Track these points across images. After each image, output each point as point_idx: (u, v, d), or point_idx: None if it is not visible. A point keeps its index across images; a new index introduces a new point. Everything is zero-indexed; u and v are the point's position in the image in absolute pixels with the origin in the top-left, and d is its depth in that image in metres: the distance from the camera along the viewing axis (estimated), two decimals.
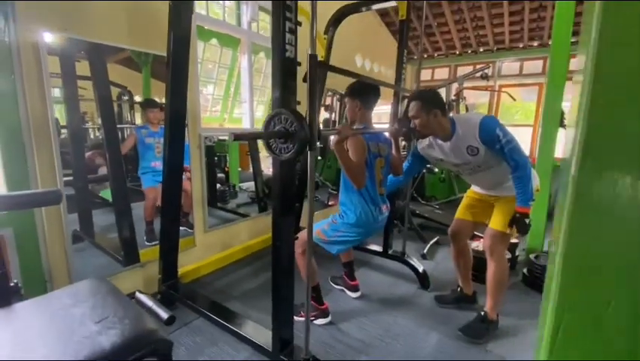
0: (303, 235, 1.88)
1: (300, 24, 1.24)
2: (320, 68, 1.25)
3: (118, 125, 2.33)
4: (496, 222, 1.82)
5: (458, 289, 2.18)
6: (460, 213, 2.05)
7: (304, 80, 1.20)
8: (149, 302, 1.04)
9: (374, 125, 1.98)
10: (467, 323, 1.87)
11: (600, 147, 0.45)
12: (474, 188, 2.02)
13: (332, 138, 1.59)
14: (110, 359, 0.73)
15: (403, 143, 2.83)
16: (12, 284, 1.02)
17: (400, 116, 2.46)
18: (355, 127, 1.86)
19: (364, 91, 1.86)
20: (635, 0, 0.40)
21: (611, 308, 0.47)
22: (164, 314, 0.98)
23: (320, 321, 1.93)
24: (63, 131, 1.96)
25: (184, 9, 1.76)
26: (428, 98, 1.75)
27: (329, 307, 1.99)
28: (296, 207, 2.75)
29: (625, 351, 0.48)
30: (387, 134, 2.02)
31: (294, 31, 1.20)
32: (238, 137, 1.07)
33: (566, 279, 0.48)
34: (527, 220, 1.65)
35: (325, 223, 1.90)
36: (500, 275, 1.83)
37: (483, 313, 1.87)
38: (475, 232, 2.41)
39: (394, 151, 1.99)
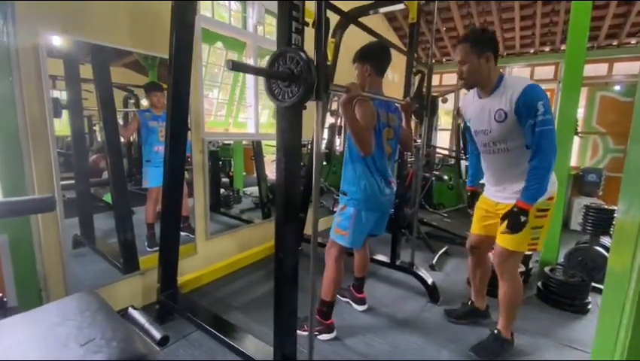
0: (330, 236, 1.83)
1: (307, 24, 1.18)
2: (330, 10, 1.14)
3: (124, 110, 2.29)
4: (504, 238, 1.59)
5: (469, 302, 2.07)
6: (474, 228, 1.90)
7: (313, 24, 1.10)
8: (142, 320, 0.97)
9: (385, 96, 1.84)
10: (479, 342, 1.77)
11: None
12: (485, 193, 1.82)
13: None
14: None
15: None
16: None
17: (412, 94, 2.38)
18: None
19: (375, 54, 1.73)
20: None
21: None
22: (157, 334, 0.91)
23: (324, 336, 1.84)
24: (66, 132, 1.93)
25: (188, 9, 1.71)
26: (481, 39, 1.51)
27: (334, 321, 1.90)
28: (300, 217, 2.68)
29: None
30: (398, 105, 1.89)
31: (300, 32, 1.13)
32: (236, 66, 0.94)
33: None
34: (523, 218, 1.43)
35: (337, 216, 1.82)
36: (511, 296, 1.68)
37: (496, 331, 1.76)
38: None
39: (404, 124, 1.88)
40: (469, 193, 2.02)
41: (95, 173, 2.28)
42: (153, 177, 2.40)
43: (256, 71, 1.09)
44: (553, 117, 1.44)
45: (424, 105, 2.29)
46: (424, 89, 2.30)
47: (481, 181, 1.90)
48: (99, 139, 2.25)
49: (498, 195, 1.70)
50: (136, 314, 0.99)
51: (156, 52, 2.05)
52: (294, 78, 1.06)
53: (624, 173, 0.54)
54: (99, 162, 2.29)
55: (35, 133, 1.60)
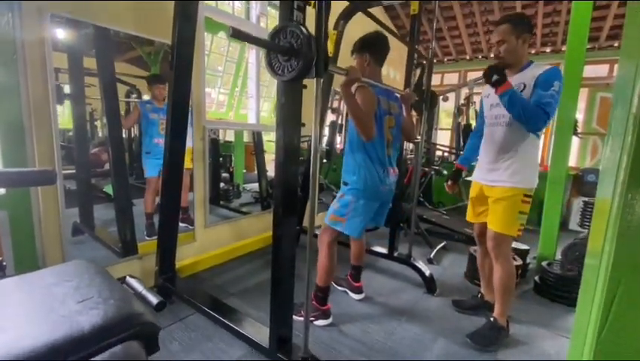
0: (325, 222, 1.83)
1: (309, 3, 1.19)
2: None
3: (125, 100, 2.32)
4: (494, 222, 1.68)
5: (479, 295, 2.08)
6: (469, 216, 1.93)
7: (313, 5, 1.10)
8: (139, 287, 0.97)
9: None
10: (475, 330, 1.77)
11: None
12: (475, 177, 1.85)
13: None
14: (88, 340, 0.66)
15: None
16: None
17: (412, 85, 2.40)
18: None
19: (374, 44, 1.74)
20: None
21: None
22: (154, 299, 0.91)
23: (320, 322, 1.84)
24: (69, 125, 1.95)
25: None
26: (521, 21, 1.59)
27: (330, 307, 1.90)
28: (300, 198, 2.68)
29: None
30: (398, 95, 1.90)
31: (302, 9, 1.15)
32: (236, 33, 0.94)
33: (615, 274, 0.49)
34: (494, 77, 1.50)
35: (334, 203, 1.82)
36: (506, 279, 1.72)
37: (492, 319, 1.77)
38: None
39: (404, 113, 1.89)
40: (454, 169, 2.09)
41: (96, 167, 2.31)
42: (151, 167, 2.41)
43: (256, 41, 1.10)
44: (558, 99, 1.52)
45: (423, 98, 2.30)
46: (424, 82, 2.32)
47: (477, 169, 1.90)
48: (100, 134, 2.27)
49: (488, 176, 1.74)
50: (134, 282, 1.00)
51: (159, 37, 2.07)
52: (294, 52, 1.06)
53: (601, 163, 0.58)
54: (100, 155, 2.31)
55: (37, 112, 1.62)
